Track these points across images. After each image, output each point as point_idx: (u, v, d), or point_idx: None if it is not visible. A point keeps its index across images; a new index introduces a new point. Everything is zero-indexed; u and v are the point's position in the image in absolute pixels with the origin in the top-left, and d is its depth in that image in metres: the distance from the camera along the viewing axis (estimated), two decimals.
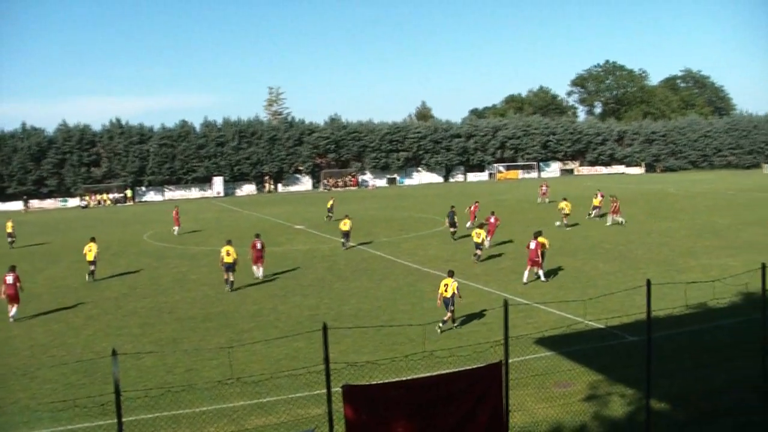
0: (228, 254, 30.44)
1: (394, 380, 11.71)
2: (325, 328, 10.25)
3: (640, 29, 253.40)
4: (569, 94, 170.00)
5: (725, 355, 18.79)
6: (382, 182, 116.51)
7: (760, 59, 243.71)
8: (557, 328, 20.21)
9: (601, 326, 21.38)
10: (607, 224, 47.76)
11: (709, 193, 74.09)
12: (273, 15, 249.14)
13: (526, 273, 29.89)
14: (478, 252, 35.76)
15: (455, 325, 22.86)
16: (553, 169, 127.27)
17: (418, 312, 24.86)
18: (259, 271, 32.98)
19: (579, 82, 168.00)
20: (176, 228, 53.13)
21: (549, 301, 25.28)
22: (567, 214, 47.81)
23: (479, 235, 35.72)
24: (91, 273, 34.63)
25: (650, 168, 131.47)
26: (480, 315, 22.46)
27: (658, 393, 14.36)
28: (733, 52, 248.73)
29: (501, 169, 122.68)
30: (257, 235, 33.98)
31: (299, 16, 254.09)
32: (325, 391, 10.42)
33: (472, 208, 48.94)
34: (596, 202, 53.21)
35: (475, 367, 11.79)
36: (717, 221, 48.59)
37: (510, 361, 11.62)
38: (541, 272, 30.09)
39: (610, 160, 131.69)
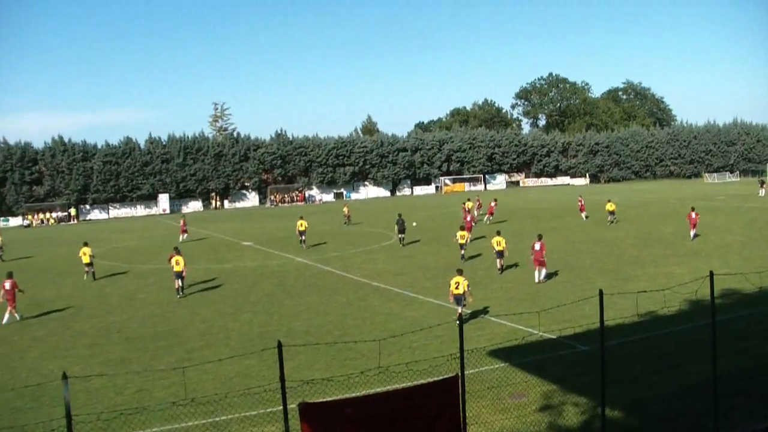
0: (177, 263, 32.60)
1: (350, 396, 11.59)
2: (280, 346, 10.14)
3: (582, 42, 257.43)
4: (513, 106, 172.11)
5: (675, 361, 19.00)
6: (329, 197, 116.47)
7: (698, 71, 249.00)
8: (510, 340, 20.26)
9: (553, 336, 21.48)
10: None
11: (653, 202, 75.19)
12: (216, 29, 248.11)
13: (536, 273, 32.01)
14: (462, 252, 39.44)
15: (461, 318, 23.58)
16: (499, 182, 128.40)
17: (369, 327, 24.77)
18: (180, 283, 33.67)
19: (523, 94, 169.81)
20: (183, 236, 57.43)
21: (500, 313, 25.40)
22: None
23: (463, 237, 39.43)
24: (91, 273, 39.46)
25: (594, 179, 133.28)
26: (432, 328, 22.44)
27: (611, 400, 14.44)
28: (673, 65, 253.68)
29: (447, 182, 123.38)
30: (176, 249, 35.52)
31: (243, 31, 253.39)
32: (279, 408, 10.30)
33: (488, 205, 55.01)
34: (610, 207, 56.47)
35: (431, 380, 11.75)
36: (662, 230, 49.32)
37: (465, 373, 11.60)
38: (544, 271, 32.08)
39: (555, 172, 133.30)
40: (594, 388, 14.29)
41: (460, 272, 25.32)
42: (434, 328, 21.15)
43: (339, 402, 11.03)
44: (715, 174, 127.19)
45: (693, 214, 45.08)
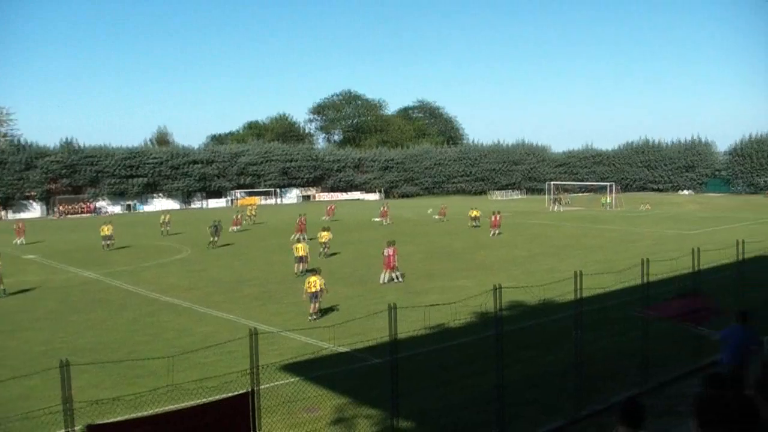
0: None
1: (139, 416, 11.26)
2: (64, 365, 9.73)
3: (377, 60, 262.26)
4: (309, 121, 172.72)
5: (464, 372, 19.68)
6: (118, 209, 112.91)
7: (488, 93, 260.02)
8: (302, 354, 20.34)
9: (346, 350, 21.75)
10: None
11: (444, 218, 77.36)
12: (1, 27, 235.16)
13: (382, 275, 35.16)
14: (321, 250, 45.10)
15: (317, 317, 27.14)
16: (293, 195, 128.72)
17: (159, 343, 24.17)
18: None
19: (318, 110, 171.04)
20: (20, 239, 59.72)
21: (293, 327, 25.39)
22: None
23: (322, 237, 45.16)
24: None
25: (387, 194, 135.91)
26: (223, 344, 22.14)
27: (403, 412, 14.72)
28: (464, 86, 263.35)
29: (241, 195, 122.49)
30: None
31: (30, 32, 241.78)
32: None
33: (301, 220, 55.46)
34: (474, 213, 65.47)
35: (223, 397, 11.61)
36: (451, 244, 50.95)
37: (258, 388, 11.55)
38: (397, 273, 35.49)
39: (349, 187, 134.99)
40: (386, 400, 14.57)
41: (315, 272, 28.39)
42: (226, 343, 20.90)
43: (127, 422, 10.74)
44: (501, 191, 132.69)
45: (497, 217, 56.69)
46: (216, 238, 52.75)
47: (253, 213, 74.46)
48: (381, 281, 34.99)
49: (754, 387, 7.29)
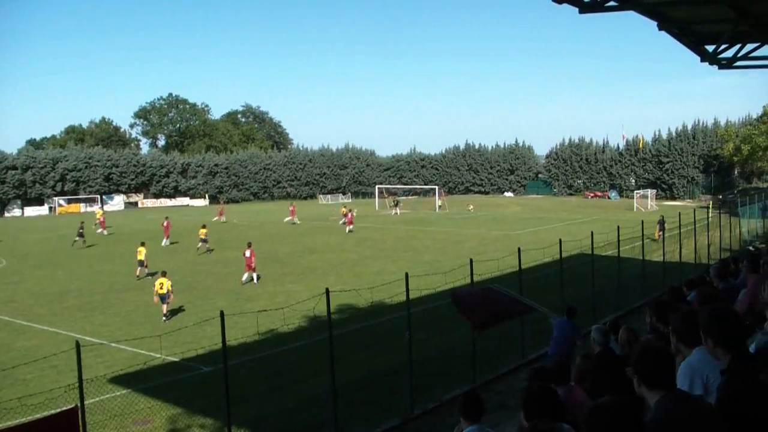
0: None
1: None
2: None
3: (201, 64, 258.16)
4: (132, 126, 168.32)
5: (297, 376, 19.72)
6: None
7: (314, 98, 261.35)
8: (131, 366, 19.77)
9: (176, 359, 21.34)
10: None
11: (270, 222, 77.00)
12: None
13: (245, 276, 36.09)
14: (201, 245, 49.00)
15: (167, 317, 27.85)
16: (117, 202, 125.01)
17: None
18: None
19: (142, 114, 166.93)
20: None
21: (120, 338, 24.67)
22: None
23: (204, 234, 49.21)
24: None
25: (214, 200, 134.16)
26: (47, 358, 21.27)
27: (237, 419, 14.61)
28: (289, 91, 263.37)
29: (62, 202, 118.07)
30: None
31: None
32: None
33: (165, 224, 55.52)
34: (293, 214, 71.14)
35: (47, 414, 11.17)
36: (279, 249, 50.72)
37: (85, 403, 11.18)
38: (255, 275, 36.31)
39: (175, 193, 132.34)
40: (219, 408, 14.42)
41: (164, 274, 29.07)
42: (50, 357, 20.08)
43: None
44: (329, 195, 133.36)
45: (351, 215, 62.49)
46: (80, 239, 54.63)
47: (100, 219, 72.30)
48: (242, 281, 35.91)
49: (574, 378, 7.65)
